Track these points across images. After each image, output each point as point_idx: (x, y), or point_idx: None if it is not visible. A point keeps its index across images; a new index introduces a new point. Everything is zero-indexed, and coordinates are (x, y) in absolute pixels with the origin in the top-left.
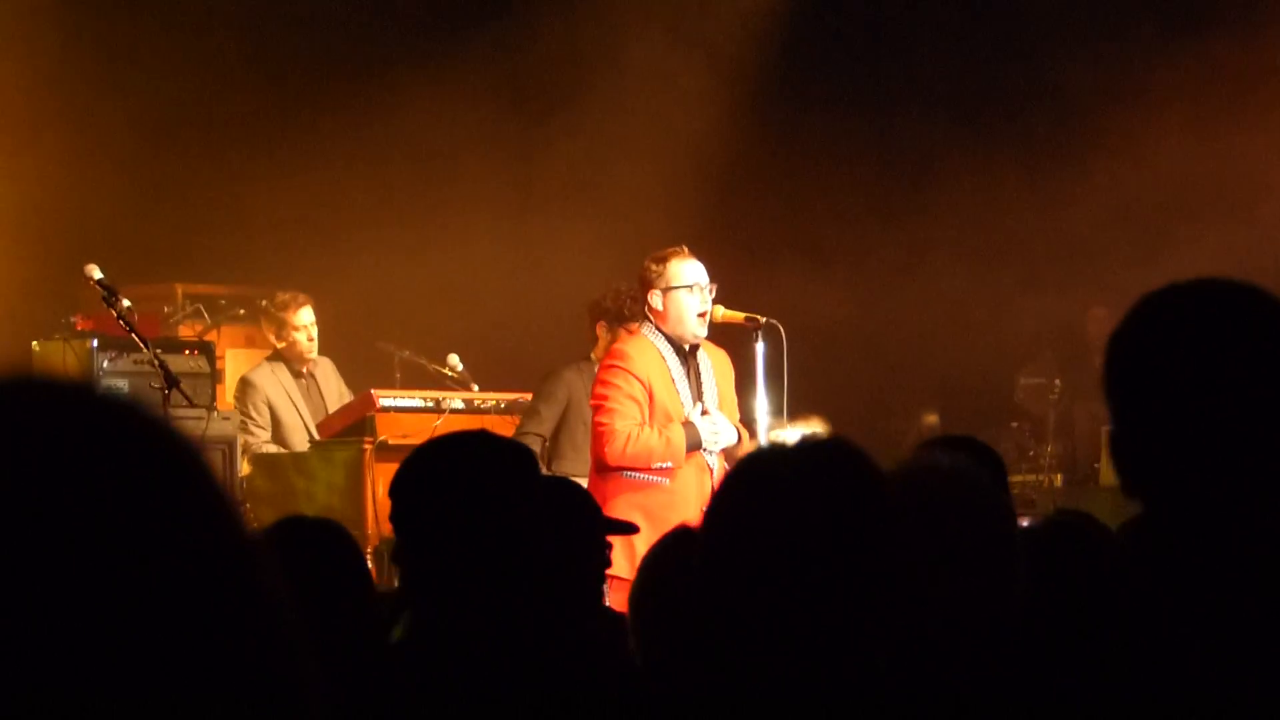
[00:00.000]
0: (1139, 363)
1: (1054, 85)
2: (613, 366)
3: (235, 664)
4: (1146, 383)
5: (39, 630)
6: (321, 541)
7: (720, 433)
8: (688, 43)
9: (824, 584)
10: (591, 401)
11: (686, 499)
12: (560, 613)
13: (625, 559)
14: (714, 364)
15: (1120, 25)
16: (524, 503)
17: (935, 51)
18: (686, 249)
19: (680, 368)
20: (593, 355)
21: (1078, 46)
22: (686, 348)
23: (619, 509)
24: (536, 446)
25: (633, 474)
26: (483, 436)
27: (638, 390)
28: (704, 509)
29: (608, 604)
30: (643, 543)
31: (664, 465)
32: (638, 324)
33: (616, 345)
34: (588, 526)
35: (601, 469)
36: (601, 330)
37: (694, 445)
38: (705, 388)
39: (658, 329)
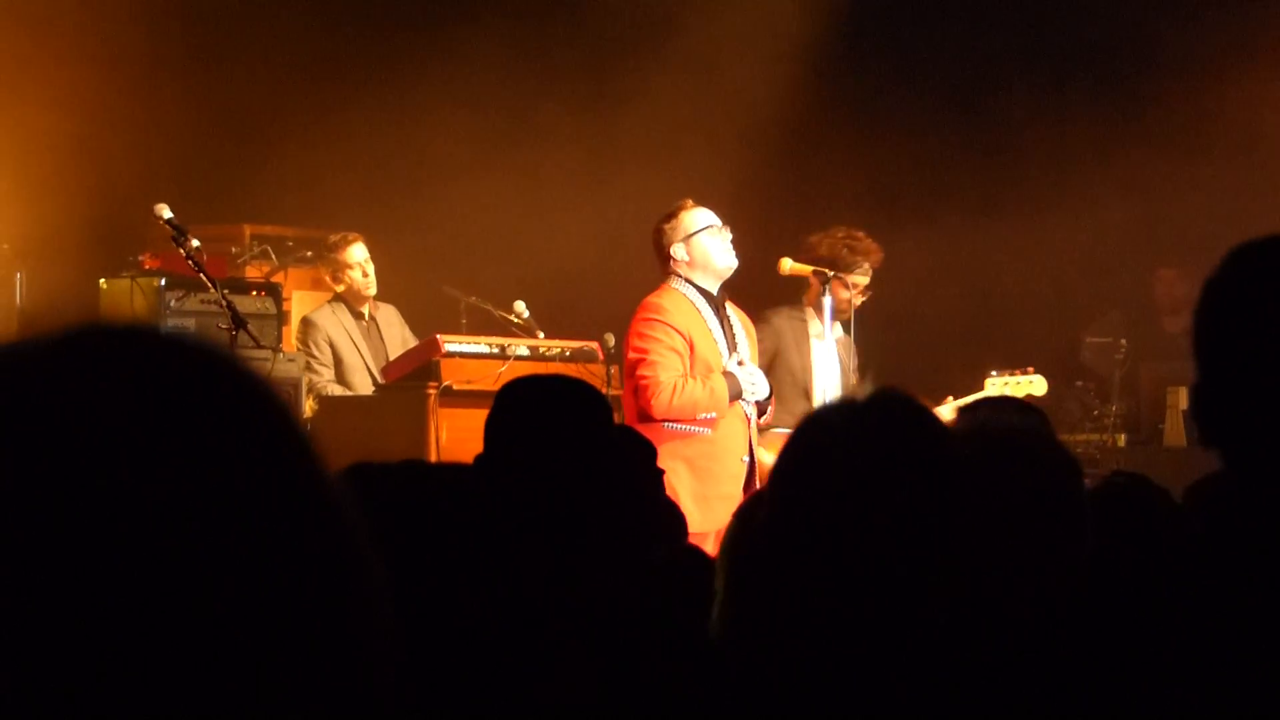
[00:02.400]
0: (1231, 310)
1: (1139, 43)
2: (650, 319)
3: (321, 612)
4: (1237, 331)
5: (127, 583)
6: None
7: (757, 383)
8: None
9: (891, 543)
10: (630, 355)
11: (729, 448)
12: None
13: None
14: (740, 320)
15: None
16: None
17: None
18: (691, 200)
19: (714, 318)
20: (805, 302)
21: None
22: (716, 298)
23: (662, 461)
24: None
25: (675, 425)
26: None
27: (678, 342)
28: (770, 468)
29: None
30: (686, 492)
31: (708, 415)
32: (666, 279)
33: (650, 299)
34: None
35: (643, 420)
36: (815, 278)
37: (735, 395)
38: (738, 338)
39: (687, 281)
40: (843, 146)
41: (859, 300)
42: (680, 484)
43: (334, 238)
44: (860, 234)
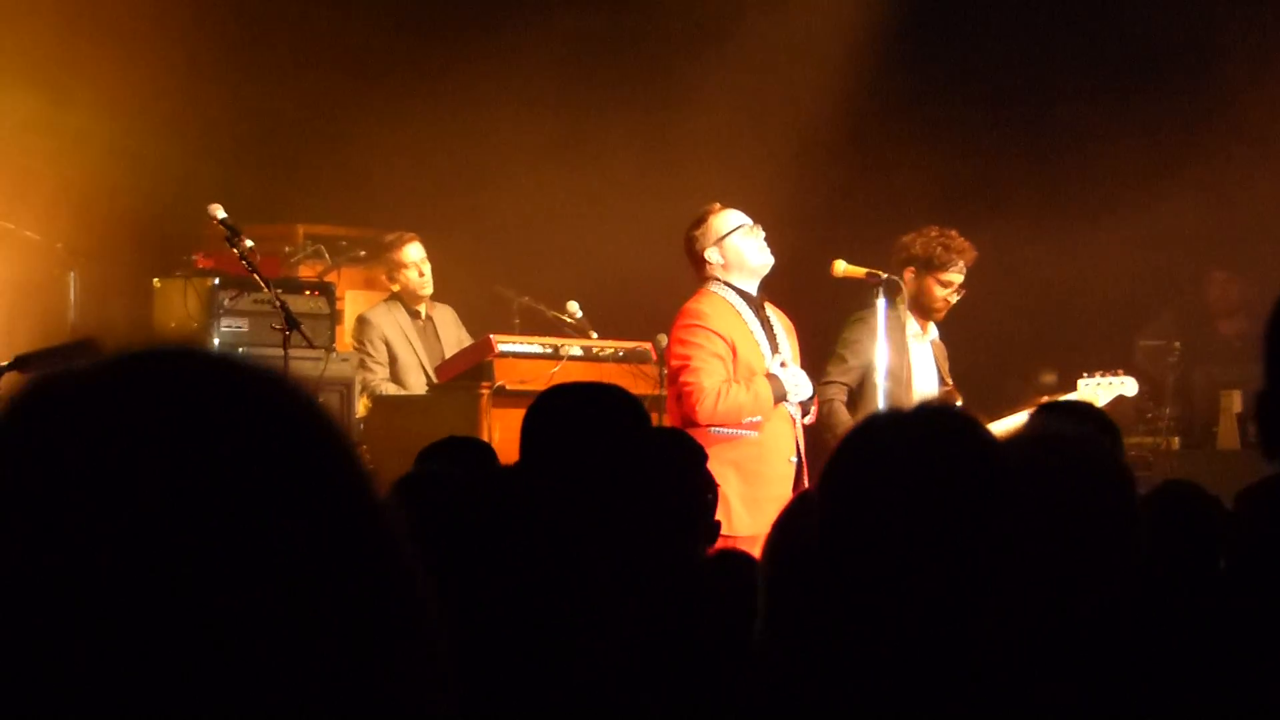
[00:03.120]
0: None
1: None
2: (692, 325)
3: (365, 631)
4: None
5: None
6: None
7: (800, 384)
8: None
9: (941, 555)
10: (673, 362)
11: (776, 450)
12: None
13: (721, 515)
14: (780, 321)
15: None
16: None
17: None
18: (719, 204)
19: (755, 320)
20: (899, 302)
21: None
22: (755, 299)
23: (712, 465)
24: (841, 396)
25: (721, 429)
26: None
27: (720, 347)
28: (817, 479)
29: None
30: (735, 496)
31: (753, 419)
32: (704, 285)
33: (690, 305)
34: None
35: (688, 426)
36: (910, 277)
37: (779, 397)
38: (780, 339)
39: (725, 284)
40: (900, 150)
41: (954, 299)
42: (729, 487)
43: (390, 237)
44: (953, 232)
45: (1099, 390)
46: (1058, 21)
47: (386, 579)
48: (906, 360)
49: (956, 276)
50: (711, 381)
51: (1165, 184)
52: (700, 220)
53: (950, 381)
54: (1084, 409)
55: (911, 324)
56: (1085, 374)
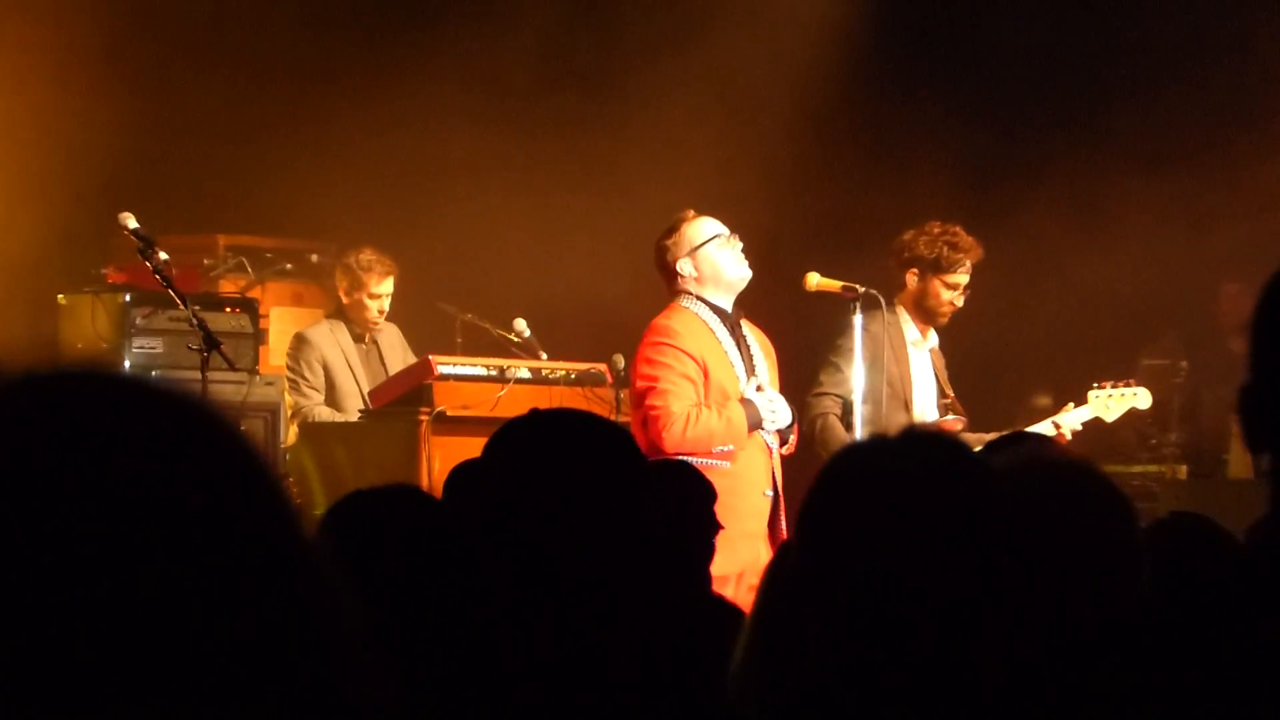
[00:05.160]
0: None
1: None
2: (660, 344)
3: (284, 668)
4: None
5: (65, 636)
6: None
7: (778, 410)
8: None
9: (930, 590)
10: (638, 384)
11: (750, 482)
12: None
13: None
14: (758, 340)
15: None
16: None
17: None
18: (693, 211)
19: (730, 339)
20: (897, 304)
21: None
22: (731, 316)
23: None
24: (835, 409)
25: (691, 458)
26: (583, 417)
27: (691, 369)
28: (792, 512)
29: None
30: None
31: (725, 448)
32: (675, 299)
33: (658, 321)
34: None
35: (654, 454)
36: (913, 279)
37: (754, 424)
38: (756, 361)
39: (698, 299)
40: (873, 160)
41: (960, 302)
42: None
43: (370, 256)
44: (957, 228)
45: (1110, 403)
46: (1043, 22)
47: (313, 629)
48: (906, 372)
49: (963, 277)
50: (680, 405)
51: (1159, 190)
52: (672, 229)
53: (951, 393)
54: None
55: (911, 329)
56: (1095, 384)
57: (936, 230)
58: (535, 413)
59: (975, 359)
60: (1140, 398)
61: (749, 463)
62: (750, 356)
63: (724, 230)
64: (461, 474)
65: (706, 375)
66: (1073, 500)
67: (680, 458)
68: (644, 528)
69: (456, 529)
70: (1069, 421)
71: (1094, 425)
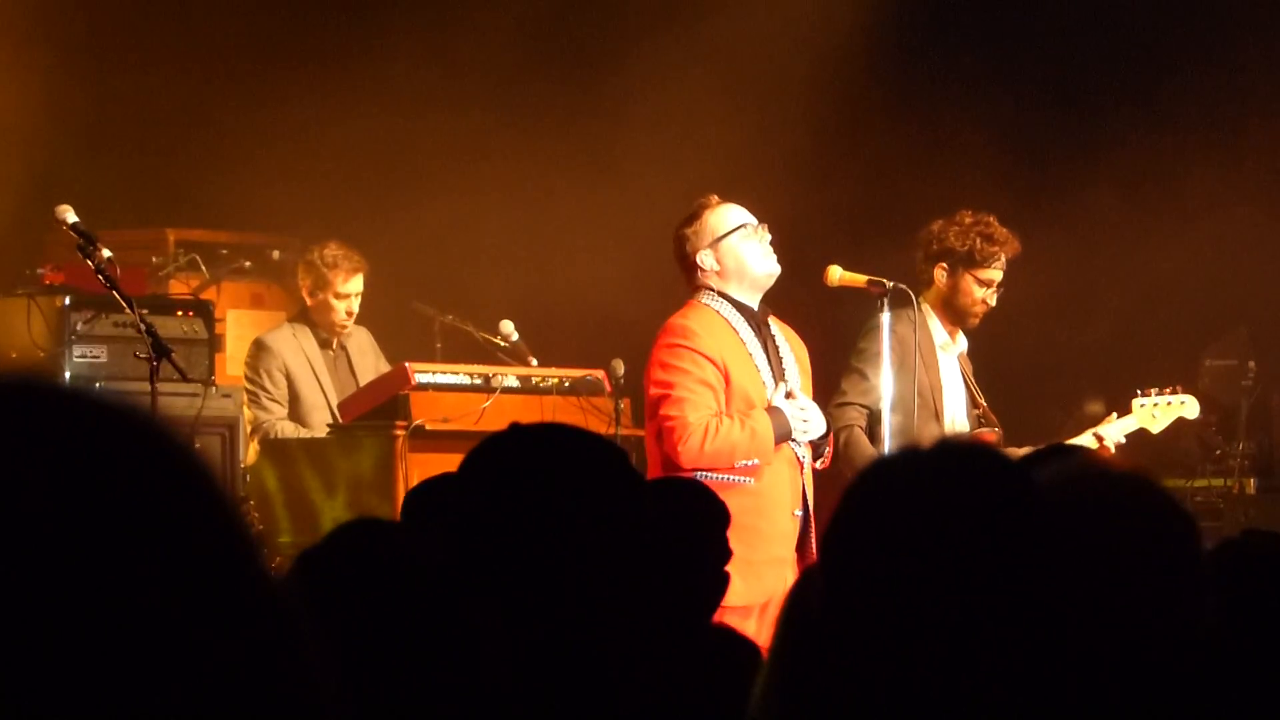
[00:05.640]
0: None
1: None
2: (675, 346)
3: (235, 696)
4: None
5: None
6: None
7: (811, 420)
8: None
9: (969, 624)
10: (652, 390)
11: (777, 501)
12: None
13: None
14: (788, 341)
15: None
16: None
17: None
18: (717, 197)
19: (755, 340)
20: (924, 303)
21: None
22: (757, 315)
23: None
24: (860, 421)
25: (710, 474)
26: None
27: (710, 373)
28: (822, 534)
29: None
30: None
31: (749, 463)
32: (694, 295)
33: (674, 320)
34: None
35: (670, 469)
36: (941, 275)
37: (782, 435)
38: (786, 364)
39: (720, 295)
40: (905, 141)
41: (993, 300)
42: None
43: (336, 251)
44: (992, 218)
45: (1155, 411)
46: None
47: (270, 670)
48: (936, 379)
49: (997, 273)
50: (698, 415)
51: (1230, 178)
52: (693, 216)
53: (984, 402)
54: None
55: (939, 331)
56: (1139, 392)
57: (969, 220)
58: (515, 427)
59: (1020, 362)
60: (1189, 406)
61: (776, 480)
62: (779, 359)
63: (751, 219)
64: (421, 496)
65: (728, 380)
66: (1128, 519)
67: (697, 474)
68: (641, 557)
69: (418, 560)
70: (1112, 433)
71: (1147, 436)
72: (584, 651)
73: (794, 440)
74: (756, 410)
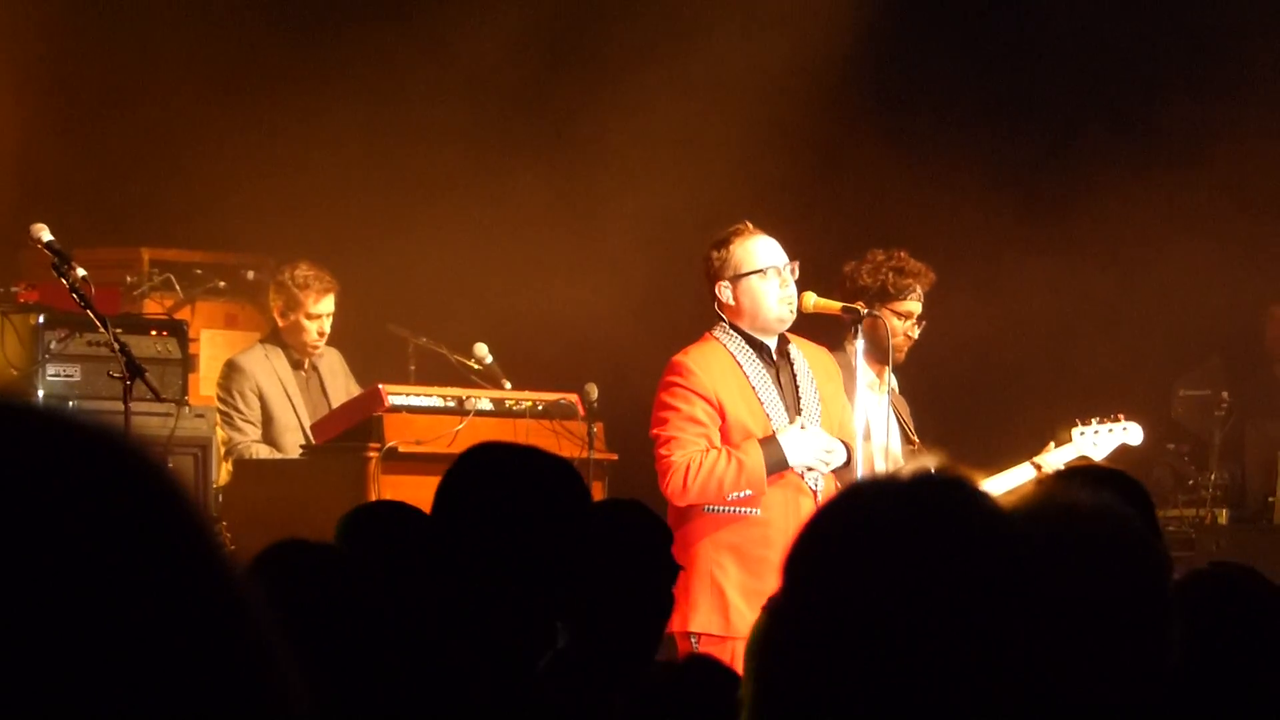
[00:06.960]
0: None
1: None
2: (670, 384)
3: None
4: None
5: None
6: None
7: (833, 450)
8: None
9: (937, 655)
10: (651, 429)
11: (786, 531)
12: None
13: (717, 613)
14: (813, 366)
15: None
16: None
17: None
18: (750, 225)
19: (763, 373)
20: (850, 339)
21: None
22: (773, 347)
23: (706, 551)
24: None
25: (716, 507)
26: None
27: (700, 410)
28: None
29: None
30: (734, 588)
31: (742, 494)
32: (712, 325)
33: (676, 357)
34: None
35: (674, 507)
36: (845, 315)
37: (776, 465)
38: (804, 395)
39: (733, 328)
40: (882, 180)
41: (915, 333)
42: (726, 578)
43: (307, 271)
44: (903, 253)
45: (1097, 439)
46: (1093, 7)
47: (243, 692)
48: (863, 417)
49: (915, 305)
50: (683, 453)
51: (1199, 202)
52: (724, 242)
53: (917, 439)
54: (1111, 475)
55: (865, 371)
56: (1078, 421)
57: (880, 257)
58: (470, 450)
59: (986, 389)
60: (1131, 433)
61: (785, 510)
62: (797, 391)
63: (777, 262)
64: (361, 519)
65: (723, 415)
66: (1096, 549)
67: (705, 508)
68: (586, 574)
69: (348, 580)
70: (1051, 462)
71: (1124, 463)
72: (512, 673)
73: (807, 469)
74: (748, 442)
